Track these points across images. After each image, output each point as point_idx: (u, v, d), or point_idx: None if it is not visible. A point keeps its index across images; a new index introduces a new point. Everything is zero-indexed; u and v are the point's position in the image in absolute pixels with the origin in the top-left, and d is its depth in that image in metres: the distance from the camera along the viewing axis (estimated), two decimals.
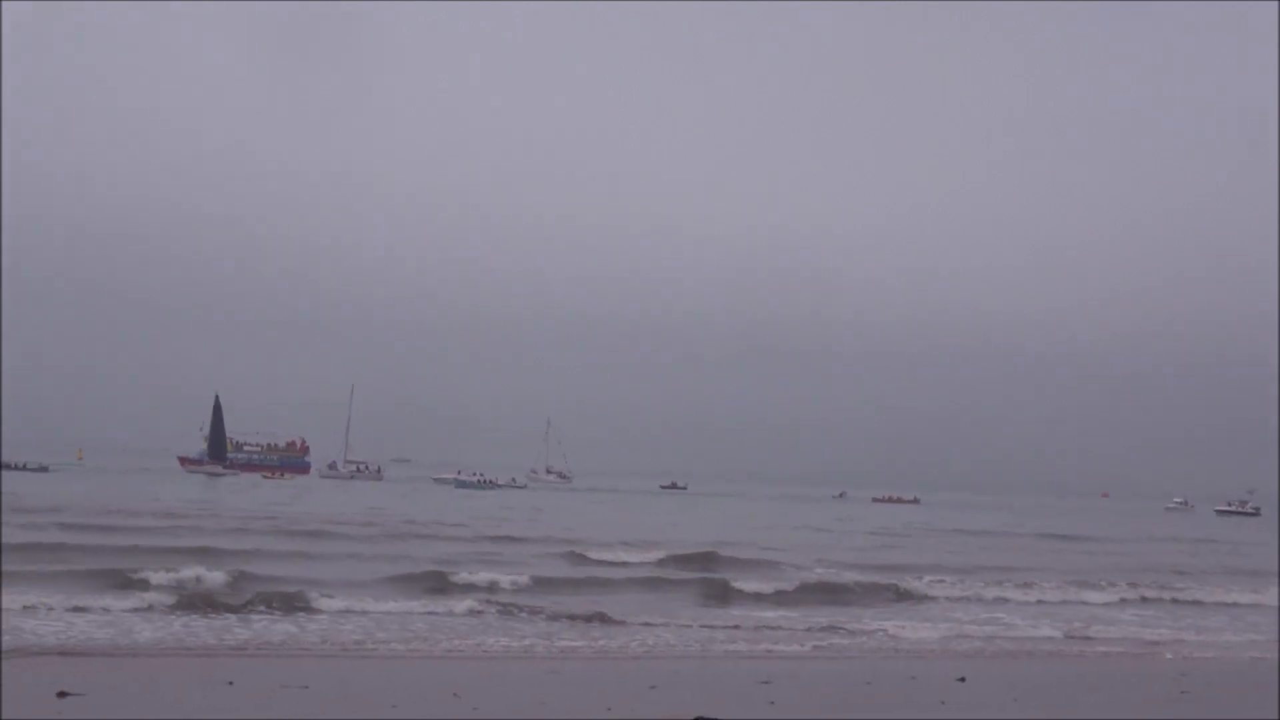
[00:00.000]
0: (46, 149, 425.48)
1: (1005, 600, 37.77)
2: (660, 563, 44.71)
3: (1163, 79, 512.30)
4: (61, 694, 16.17)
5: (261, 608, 27.90)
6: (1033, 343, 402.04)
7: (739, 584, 37.35)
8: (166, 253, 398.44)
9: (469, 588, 33.32)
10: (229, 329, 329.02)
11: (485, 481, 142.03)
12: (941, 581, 41.40)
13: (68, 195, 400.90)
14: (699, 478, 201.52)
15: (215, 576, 32.56)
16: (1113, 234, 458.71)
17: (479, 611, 28.59)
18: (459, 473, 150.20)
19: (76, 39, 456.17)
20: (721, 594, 35.96)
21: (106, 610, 26.45)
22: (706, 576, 39.66)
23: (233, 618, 26.53)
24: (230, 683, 17.76)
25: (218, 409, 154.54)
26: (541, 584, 35.43)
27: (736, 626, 29.06)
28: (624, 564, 44.41)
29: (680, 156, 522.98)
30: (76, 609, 26.01)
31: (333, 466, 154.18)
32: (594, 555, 46.57)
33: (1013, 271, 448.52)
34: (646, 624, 28.41)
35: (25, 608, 25.75)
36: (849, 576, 41.82)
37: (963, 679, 20.49)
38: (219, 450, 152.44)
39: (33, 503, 62.12)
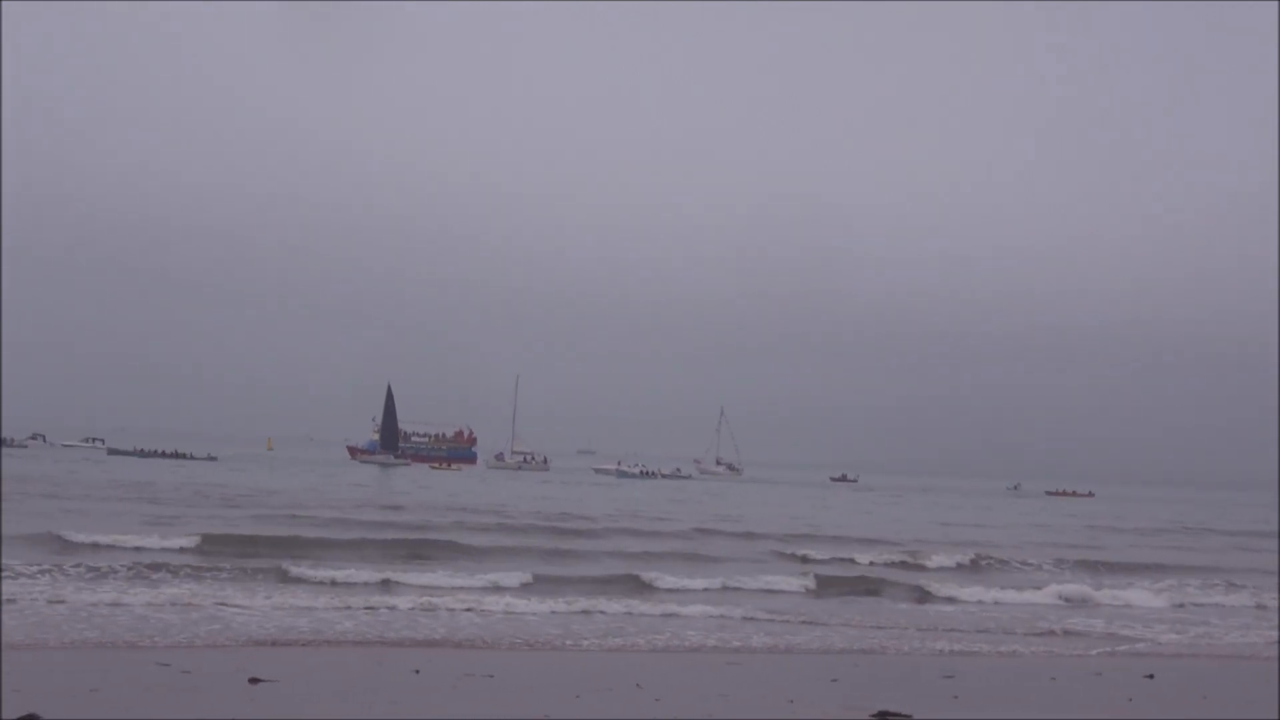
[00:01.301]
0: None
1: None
2: (892, 564, 42.08)
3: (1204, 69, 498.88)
4: (253, 680, 16.82)
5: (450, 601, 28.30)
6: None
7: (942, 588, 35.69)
8: (347, 254, 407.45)
9: (670, 591, 32.09)
10: (397, 320, 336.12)
11: (647, 472, 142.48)
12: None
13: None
14: (858, 468, 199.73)
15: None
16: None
17: (672, 615, 27.58)
18: (619, 464, 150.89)
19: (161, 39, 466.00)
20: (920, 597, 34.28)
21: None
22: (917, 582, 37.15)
23: (418, 610, 26.82)
24: (417, 671, 18.32)
25: (390, 399, 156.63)
26: (733, 592, 33.20)
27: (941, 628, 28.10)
28: (849, 561, 42.29)
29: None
30: (278, 607, 26.26)
31: (500, 457, 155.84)
32: (813, 553, 44.02)
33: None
34: (846, 623, 27.73)
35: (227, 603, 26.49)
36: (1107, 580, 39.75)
37: (1151, 676, 20.31)
38: (391, 441, 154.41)
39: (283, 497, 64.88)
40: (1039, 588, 36.06)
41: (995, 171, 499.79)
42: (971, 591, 34.74)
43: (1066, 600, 34.30)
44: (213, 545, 36.67)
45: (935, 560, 43.09)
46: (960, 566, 42.74)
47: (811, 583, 34.79)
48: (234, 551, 35.95)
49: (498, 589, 30.33)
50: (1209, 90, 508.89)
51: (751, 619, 27.43)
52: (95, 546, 35.18)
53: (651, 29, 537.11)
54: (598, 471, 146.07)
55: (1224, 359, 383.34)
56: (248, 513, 51.98)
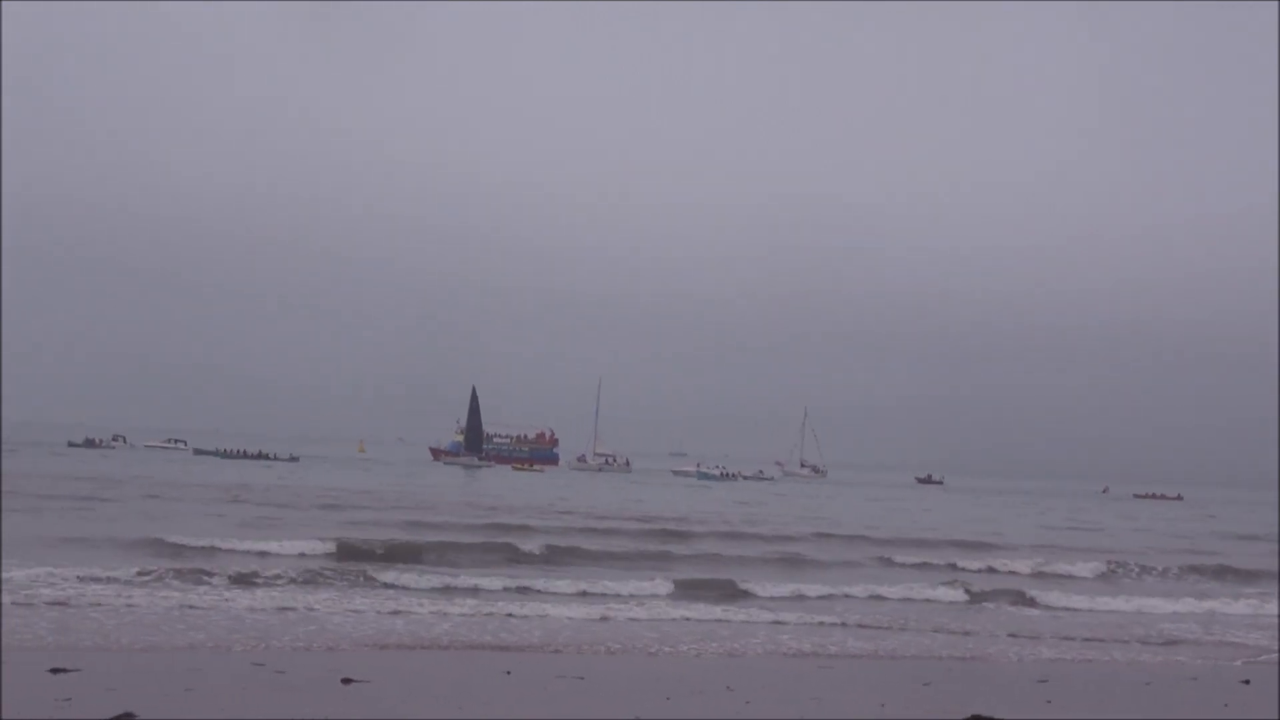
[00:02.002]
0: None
1: None
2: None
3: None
4: (346, 681, 17.07)
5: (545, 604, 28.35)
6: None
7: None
8: (428, 264, 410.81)
9: (768, 601, 31.32)
10: (481, 322, 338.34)
11: (727, 474, 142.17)
12: None
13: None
14: (938, 469, 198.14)
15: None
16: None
17: (767, 621, 27.25)
18: (699, 465, 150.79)
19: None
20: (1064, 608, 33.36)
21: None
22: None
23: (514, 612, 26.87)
24: (508, 672, 18.51)
25: (474, 401, 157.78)
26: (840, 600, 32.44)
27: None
28: (989, 570, 41.30)
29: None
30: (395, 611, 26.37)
31: (582, 459, 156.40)
32: (960, 562, 43.20)
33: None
34: (937, 630, 27.44)
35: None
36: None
37: (1247, 681, 20.16)
38: (475, 442, 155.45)
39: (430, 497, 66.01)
40: (1173, 597, 35.45)
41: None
42: (1129, 603, 34.06)
43: (1201, 610, 33.26)
44: (347, 553, 36.70)
45: (1073, 568, 42.72)
46: (1100, 575, 42.08)
47: (961, 594, 34.02)
48: (373, 558, 36.18)
49: (653, 596, 30.48)
50: (1211, 90, 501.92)
51: (842, 624, 27.27)
52: (231, 552, 35.60)
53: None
54: (677, 474, 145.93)
55: (1225, 357, 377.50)
56: (375, 515, 52.83)
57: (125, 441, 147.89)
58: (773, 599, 31.42)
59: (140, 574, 28.75)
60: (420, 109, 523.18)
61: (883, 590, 33.28)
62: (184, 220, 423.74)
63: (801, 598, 31.71)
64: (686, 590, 31.72)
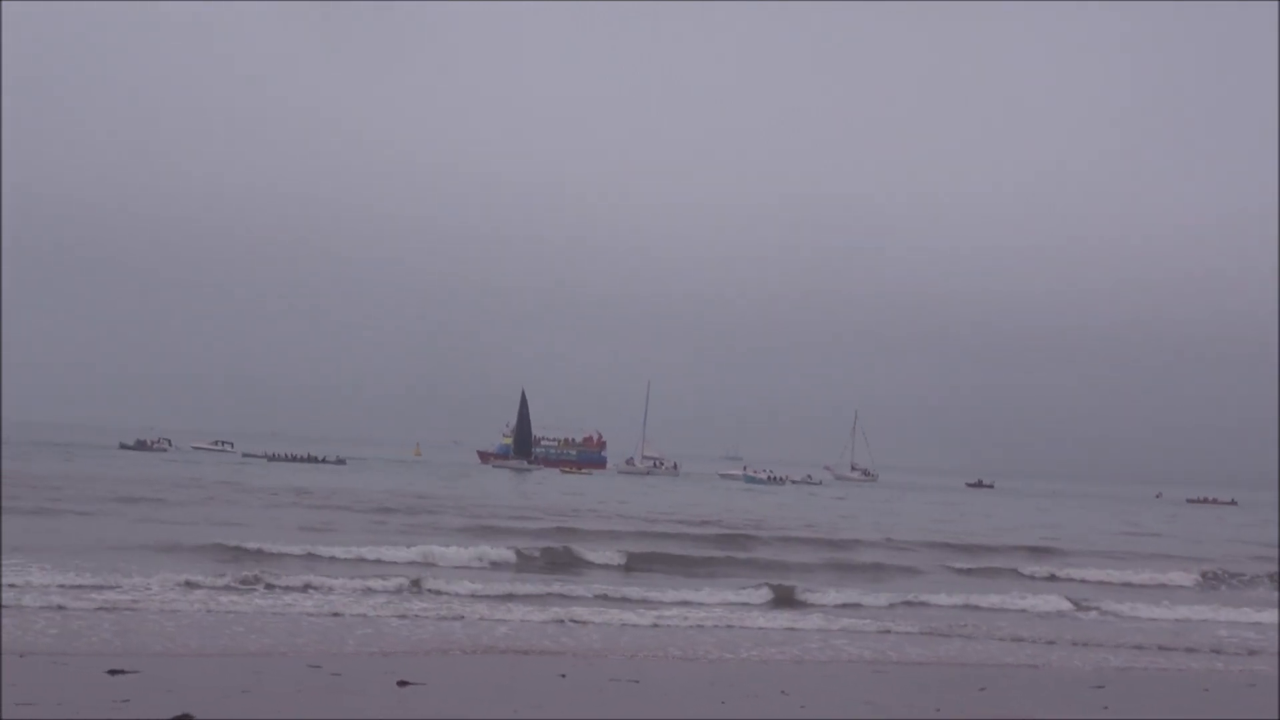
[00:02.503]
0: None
1: None
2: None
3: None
4: (402, 683, 17.26)
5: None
6: None
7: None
8: (468, 270, 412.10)
9: (831, 608, 30.93)
10: (528, 326, 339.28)
11: (775, 478, 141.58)
12: None
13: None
14: (985, 472, 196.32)
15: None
16: None
17: (826, 629, 26.96)
18: (745, 468, 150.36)
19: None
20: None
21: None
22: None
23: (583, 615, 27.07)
24: (563, 675, 18.68)
25: (523, 404, 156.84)
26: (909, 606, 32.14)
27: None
28: (1079, 581, 40.24)
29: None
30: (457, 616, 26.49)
31: (630, 462, 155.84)
32: (960, 564, 43.46)
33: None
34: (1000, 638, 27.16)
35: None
36: None
37: None
38: (524, 446, 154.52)
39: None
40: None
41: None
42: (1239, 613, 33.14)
43: None
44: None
45: (1165, 577, 41.92)
46: (1196, 585, 41.30)
47: (1064, 603, 33.25)
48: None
49: (745, 606, 30.43)
50: (1217, 88, 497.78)
51: (906, 632, 27.14)
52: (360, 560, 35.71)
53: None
54: (724, 477, 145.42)
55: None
56: (437, 519, 52.93)
57: (170, 444, 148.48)
58: (836, 605, 31.29)
59: (243, 581, 28.89)
60: (441, 110, 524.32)
61: (952, 599, 33.02)
62: (220, 224, 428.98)
63: (858, 605, 31.47)
64: (745, 594, 31.83)
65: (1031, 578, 40.66)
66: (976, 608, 32.20)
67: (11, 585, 25.66)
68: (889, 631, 26.89)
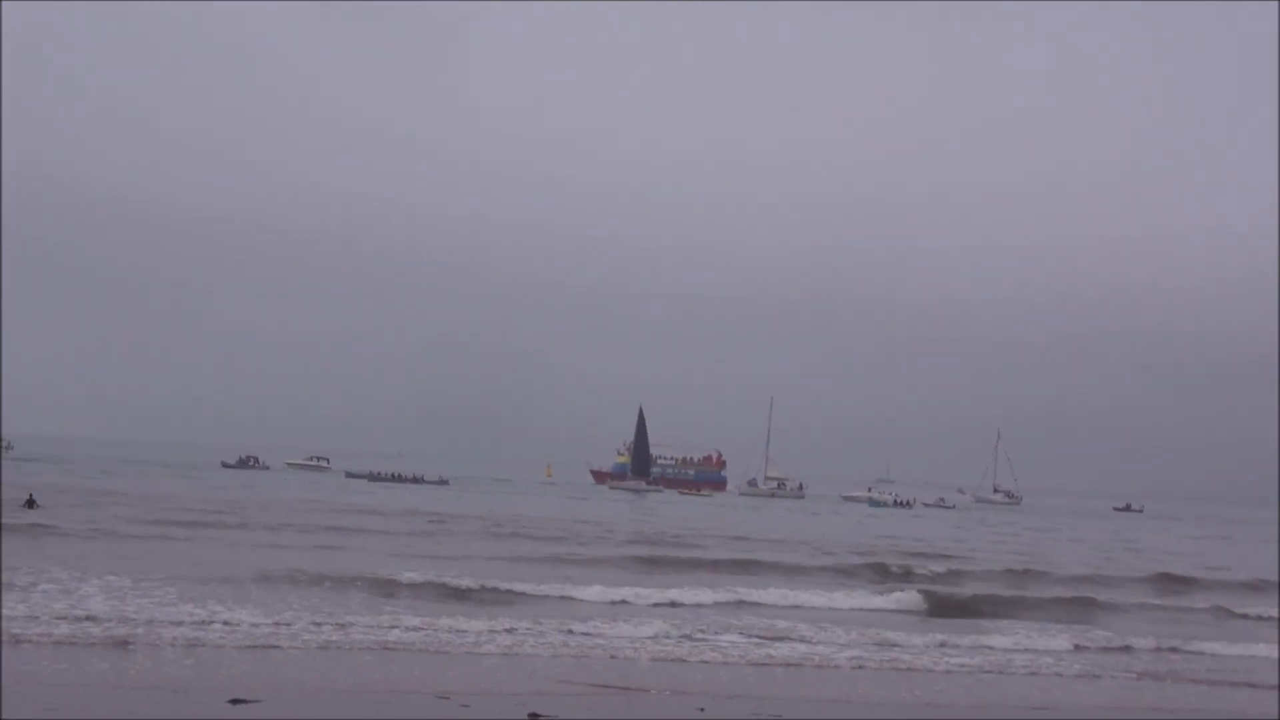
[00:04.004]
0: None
1: None
2: None
3: None
4: (533, 715, 17.02)
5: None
6: None
7: None
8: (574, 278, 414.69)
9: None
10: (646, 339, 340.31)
11: (902, 502, 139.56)
12: None
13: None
14: (1127, 495, 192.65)
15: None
16: None
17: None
18: (870, 490, 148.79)
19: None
20: None
21: None
22: None
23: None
24: (701, 710, 18.43)
25: (641, 421, 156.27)
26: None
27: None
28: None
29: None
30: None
31: (752, 483, 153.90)
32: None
33: None
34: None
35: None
36: None
37: None
38: (643, 465, 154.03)
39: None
40: None
41: None
42: None
43: None
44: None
45: None
46: None
47: None
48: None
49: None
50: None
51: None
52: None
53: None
54: (846, 500, 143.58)
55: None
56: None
57: (259, 461, 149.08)
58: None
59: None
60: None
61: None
62: (337, 237, 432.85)
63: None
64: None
65: None
66: None
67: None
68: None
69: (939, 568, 46.99)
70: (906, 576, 43.93)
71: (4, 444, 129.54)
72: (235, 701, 17.22)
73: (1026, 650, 28.08)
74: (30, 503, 56.80)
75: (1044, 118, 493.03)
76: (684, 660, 24.15)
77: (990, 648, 28.03)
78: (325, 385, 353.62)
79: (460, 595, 32.12)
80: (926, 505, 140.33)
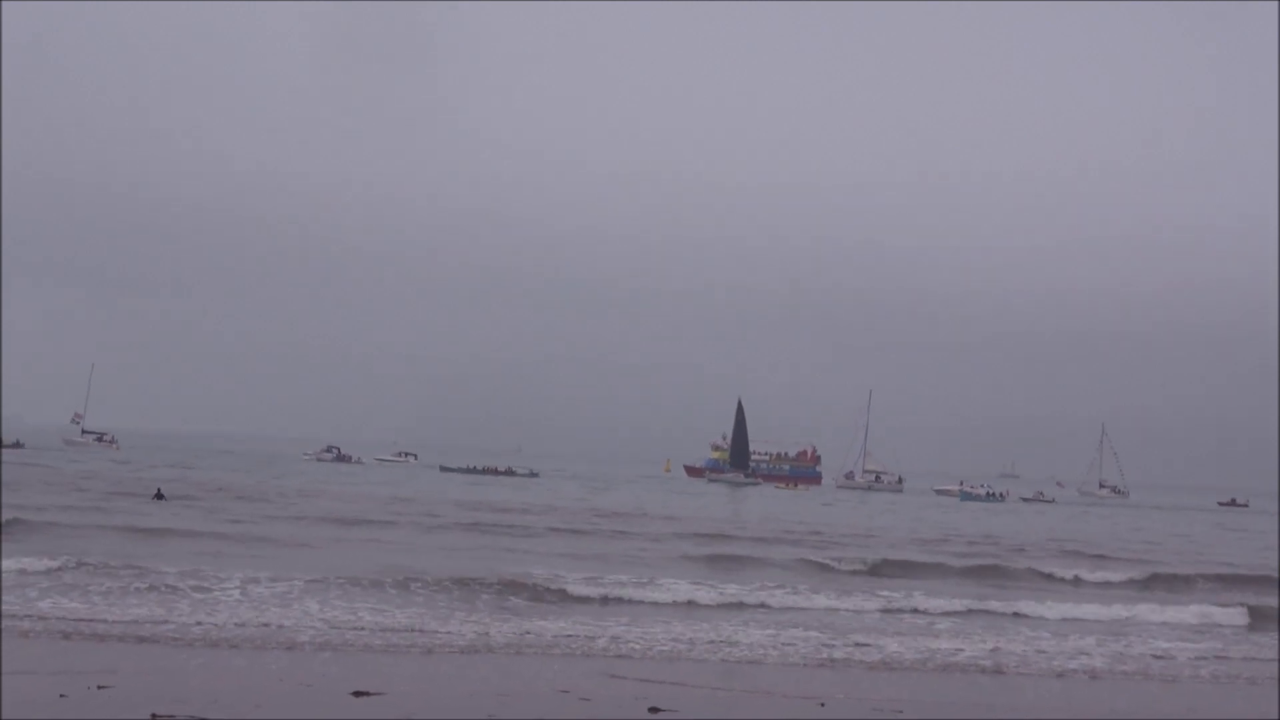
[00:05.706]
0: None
1: None
2: None
3: None
4: (653, 710, 17.25)
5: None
6: None
7: None
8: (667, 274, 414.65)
9: None
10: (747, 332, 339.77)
11: (994, 494, 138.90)
12: None
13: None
14: (1232, 490, 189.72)
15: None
16: None
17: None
18: (961, 484, 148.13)
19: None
20: None
21: None
22: None
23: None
24: (822, 704, 18.59)
25: (740, 414, 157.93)
26: None
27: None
28: None
29: None
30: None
31: (849, 476, 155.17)
32: None
33: None
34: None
35: None
36: None
37: None
38: (741, 459, 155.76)
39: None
40: None
41: None
42: None
43: None
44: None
45: None
46: None
47: None
48: None
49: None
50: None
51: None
52: None
53: None
54: (939, 493, 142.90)
55: None
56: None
57: (342, 452, 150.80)
58: None
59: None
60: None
61: None
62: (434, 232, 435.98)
63: None
64: None
65: None
66: None
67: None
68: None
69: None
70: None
71: (11, 441, 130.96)
72: (359, 694, 17.55)
73: None
74: (159, 495, 57.93)
75: None
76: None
77: None
78: (408, 385, 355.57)
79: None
80: (1024, 500, 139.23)
